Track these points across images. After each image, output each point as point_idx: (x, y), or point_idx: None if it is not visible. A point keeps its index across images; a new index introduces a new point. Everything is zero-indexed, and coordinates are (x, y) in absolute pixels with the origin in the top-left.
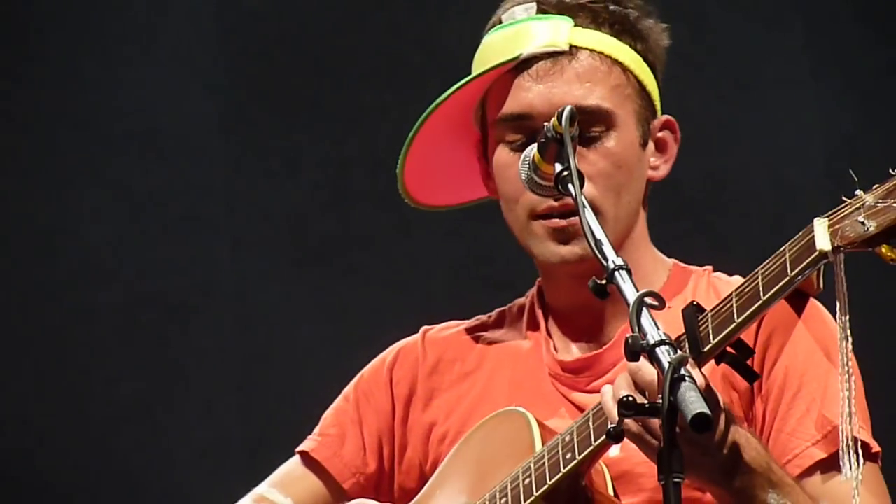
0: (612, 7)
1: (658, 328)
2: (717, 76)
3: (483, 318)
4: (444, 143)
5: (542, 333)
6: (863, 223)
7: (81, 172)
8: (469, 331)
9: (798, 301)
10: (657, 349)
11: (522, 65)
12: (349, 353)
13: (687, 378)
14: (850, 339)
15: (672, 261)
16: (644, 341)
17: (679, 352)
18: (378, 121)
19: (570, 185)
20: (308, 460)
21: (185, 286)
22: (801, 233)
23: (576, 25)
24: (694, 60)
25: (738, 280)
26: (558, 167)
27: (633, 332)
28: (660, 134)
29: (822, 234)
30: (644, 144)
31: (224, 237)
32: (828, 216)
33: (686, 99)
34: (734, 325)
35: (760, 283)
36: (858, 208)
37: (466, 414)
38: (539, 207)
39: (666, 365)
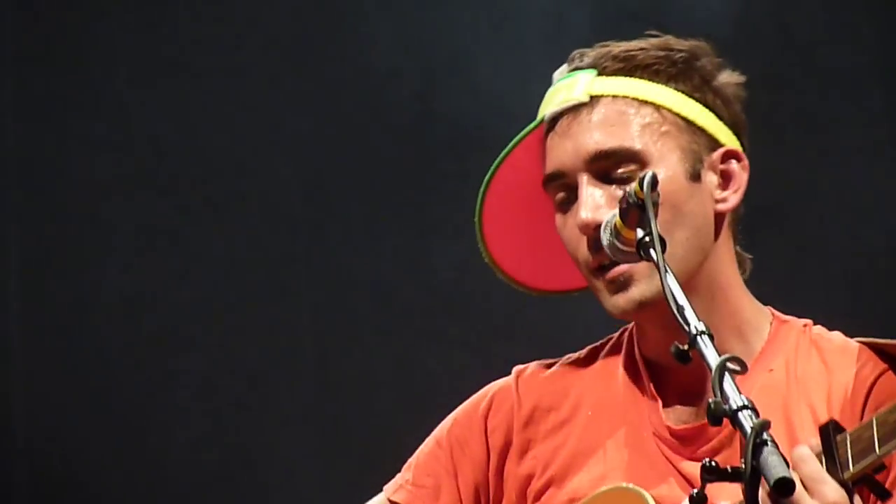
0: (651, 52)
1: (739, 393)
2: (797, 142)
3: (574, 357)
4: (534, 219)
5: (647, 388)
6: None
7: (164, 239)
8: (562, 374)
9: None
10: (739, 414)
11: (551, 125)
12: (434, 421)
13: (769, 442)
14: None
15: (769, 309)
16: (727, 406)
17: (760, 417)
18: (459, 187)
19: (651, 251)
20: None
21: (266, 353)
22: None
23: (599, 75)
24: (775, 126)
25: (838, 337)
26: (640, 233)
27: (714, 396)
28: (723, 166)
29: None
30: (695, 178)
31: (305, 304)
32: None
33: (767, 164)
34: (875, 456)
35: None
36: None
37: (565, 467)
38: (589, 262)
39: (748, 430)
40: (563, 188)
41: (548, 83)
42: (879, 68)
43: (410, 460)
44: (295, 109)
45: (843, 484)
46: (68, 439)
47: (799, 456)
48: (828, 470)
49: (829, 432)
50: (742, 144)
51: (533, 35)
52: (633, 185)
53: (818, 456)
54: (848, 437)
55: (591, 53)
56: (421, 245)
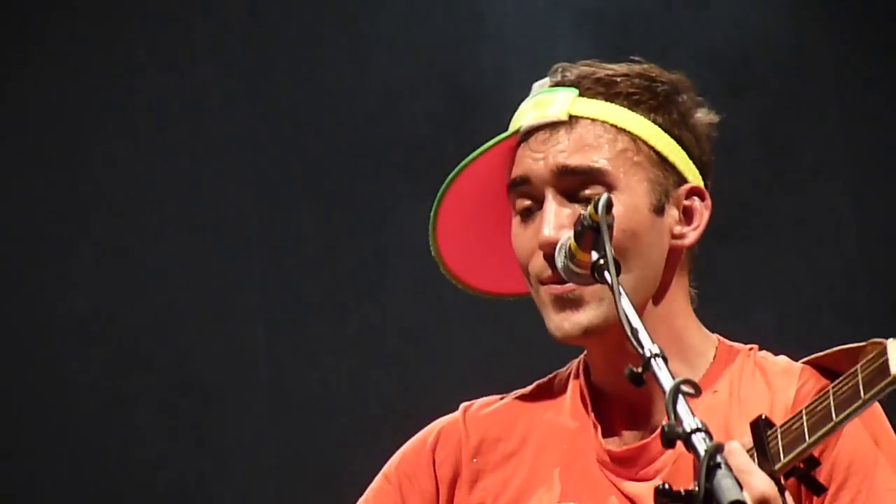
0: (635, 80)
1: (693, 416)
2: (752, 163)
3: (523, 391)
4: (493, 225)
5: (590, 416)
6: None
7: (118, 260)
8: (510, 407)
9: None
10: (693, 436)
11: (525, 137)
12: (386, 443)
13: (723, 465)
14: None
15: (716, 336)
16: (680, 429)
17: (714, 440)
18: (413, 210)
19: (606, 273)
20: None
21: (221, 374)
22: (874, 354)
23: (581, 95)
24: (729, 147)
25: (783, 360)
26: (594, 255)
27: (669, 419)
28: (686, 202)
29: None
30: (658, 211)
31: (260, 325)
32: None
33: (721, 185)
34: (805, 444)
35: (832, 404)
36: None
37: (515, 497)
38: (542, 275)
39: (702, 453)
40: (526, 196)
41: (506, 105)
42: (835, 89)
43: (360, 499)
44: (251, 131)
45: (771, 475)
46: (22, 460)
47: (728, 450)
48: (759, 464)
49: (760, 426)
50: (706, 184)
51: (489, 59)
52: (589, 208)
53: (750, 452)
54: (778, 430)
55: (574, 71)
56: (376, 266)
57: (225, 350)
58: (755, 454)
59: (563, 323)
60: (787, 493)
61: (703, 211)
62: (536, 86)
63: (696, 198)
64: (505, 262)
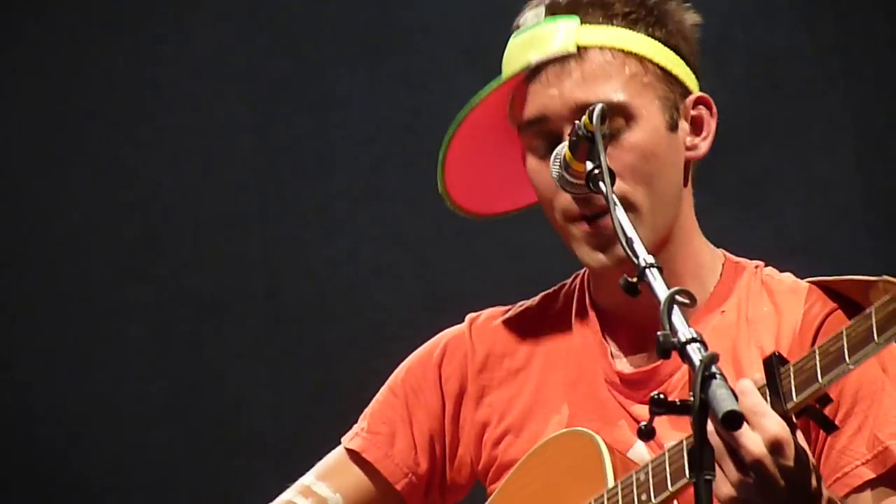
0: None
1: (688, 326)
2: (748, 74)
3: (528, 304)
4: (490, 149)
5: (597, 335)
6: None
7: (114, 171)
8: (515, 321)
9: (854, 313)
10: (688, 346)
11: (534, 71)
12: (382, 353)
13: (718, 376)
14: None
15: (721, 251)
16: (675, 339)
17: (709, 350)
18: (411, 120)
19: (601, 183)
20: (357, 459)
21: (217, 285)
22: (888, 297)
23: (583, 23)
24: (724, 59)
25: (788, 278)
26: (589, 165)
27: (663, 329)
28: (694, 112)
29: None
30: (674, 128)
31: (256, 236)
32: None
33: (717, 97)
34: (818, 385)
35: (846, 346)
36: None
37: (521, 416)
38: (570, 210)
39: (697, 363)
40: (542, 135)
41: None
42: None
43: (366, 410)
44: (248, 41)
45: (784, 416)
46: (16, 372)
47: (740, 389)
48: (771, 402)
49: (773, 364)
50: (700, 88)
51: None
52: (583, 118)
53: (762, 390)
54: (791, 368)
55: None
56: (373, 178)
57: (221, 261)
58: (767, 392)
59: (600, 256)
60: (798, 432)
61: (710, 119)
62: (531, 16)
63: (702, 107)
64: (500, 181)
